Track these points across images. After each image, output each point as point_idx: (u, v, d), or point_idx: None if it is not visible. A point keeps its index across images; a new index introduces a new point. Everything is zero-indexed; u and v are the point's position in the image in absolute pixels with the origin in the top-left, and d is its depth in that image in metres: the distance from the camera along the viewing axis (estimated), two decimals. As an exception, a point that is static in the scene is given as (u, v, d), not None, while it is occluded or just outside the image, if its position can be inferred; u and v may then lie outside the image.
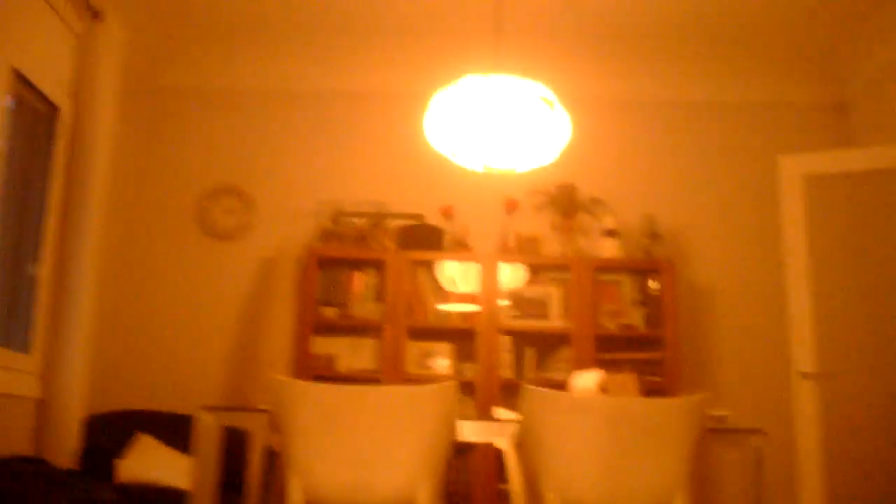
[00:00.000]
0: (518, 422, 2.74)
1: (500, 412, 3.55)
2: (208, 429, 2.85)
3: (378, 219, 4.99)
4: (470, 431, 2.87)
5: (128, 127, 4.93)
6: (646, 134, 5.28)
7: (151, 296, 5.06)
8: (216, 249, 5.13)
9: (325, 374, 4.67)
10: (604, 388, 2.99)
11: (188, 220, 5.16)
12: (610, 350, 4.71)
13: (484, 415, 4.44)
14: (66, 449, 4.00)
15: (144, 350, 4.97)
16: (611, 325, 4.71)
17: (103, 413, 4.49)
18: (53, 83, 4.08)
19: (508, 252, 4.88)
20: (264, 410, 2.86)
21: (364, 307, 4.78)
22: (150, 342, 4.99)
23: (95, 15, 4.31)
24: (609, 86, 5.29)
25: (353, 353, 4.78)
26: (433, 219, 5.02)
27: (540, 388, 2.65)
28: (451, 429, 2.70)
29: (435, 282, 4.82)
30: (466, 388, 4.63)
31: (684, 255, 5.06)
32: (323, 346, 4.74)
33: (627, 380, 3.12)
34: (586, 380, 3.11)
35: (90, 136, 4.22)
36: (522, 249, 4.91)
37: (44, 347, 4.02)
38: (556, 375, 4.63)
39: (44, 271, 4.05)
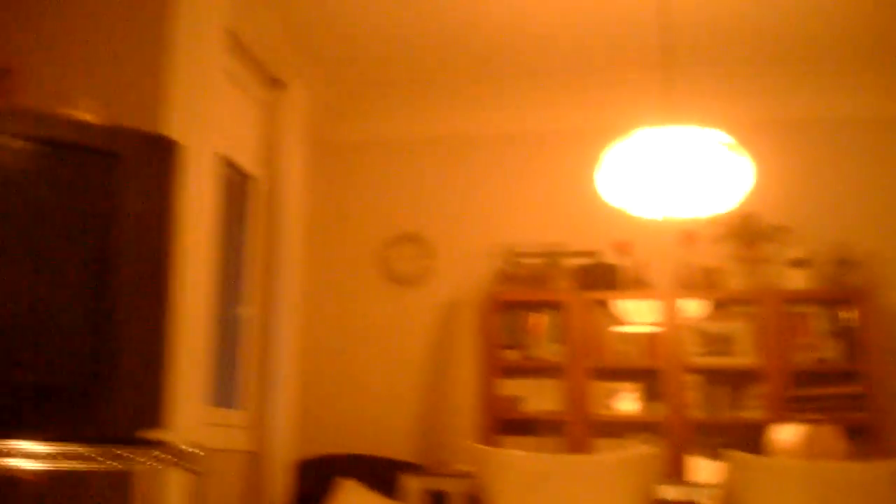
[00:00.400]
0: (719, 486, 2.70)
1: (698, 462, 3.50)
2: (413, 492, 2.97)
3: (554, 258, 5.02)
4: (670, 494, 2.85)
5: (314, 182, 5.19)
6: (829, 156, 5.05)
7: (344, 342, 5.30)
8: (400, 295, 5.31)
9: (511, 416, 4.74)
10: (809, 445, 2.89)
11: (372, 267, 5.37)
12: (805, 386, 4.53)
13: (677, 457, 4.38)
14: (276, 496, 4.26)
15: (342, 395, 5.21)
16: (804, 360, 4.53)
17: (309, 459, 4.74)
18: (246, 154, 4.37)
19: (689, 286, 4.79)
20: (466, 475, 2.95)
21: (545, 348, 4.82)
22: (345, 386, 5.22)
23: (278, 84, 4.59)
24: (787, 107, 5.10)
25: (537, 395, 4.82)
26: (609, 255, 4.99)
27: (745, 454, 2.60)
28: (651, 494, 2.70)
29: (615, 320, 4.80)
30: (655, 429, 4.58)
31: (879, 282, 4.80)
32: (508, 388, 4.82)
33: (831, 434, 3.00)
34: (788, 434, 3.01)
35: (282, 197, 4.48)
36: (703, 283, 4.81)
37: (253, 403, 4.30)
38: (750, 415, 4.49)
39: (248, 333, 4.33)
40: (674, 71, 4.83)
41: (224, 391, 4.14)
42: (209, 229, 2.52)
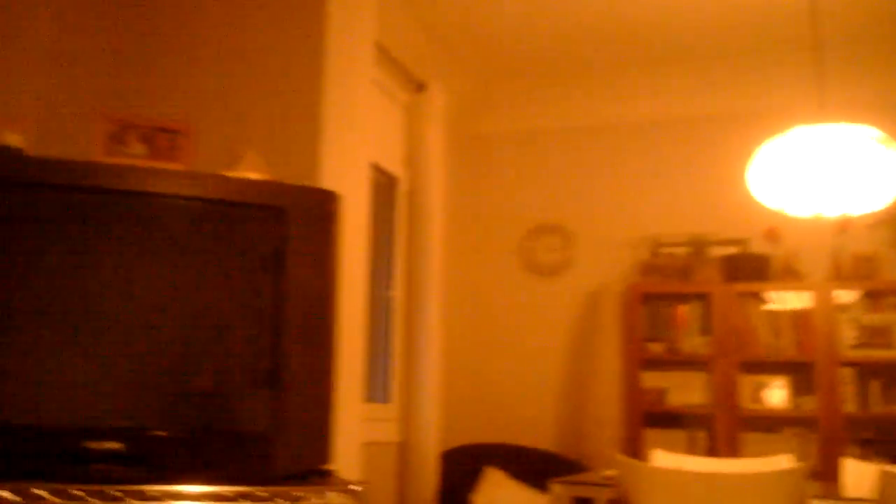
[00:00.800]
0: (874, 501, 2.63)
1: (849, 463, 3.41)
2: (559, 498, 3.04)
3: (699, 248, 4.94)
4: (822, 509, 2.80)
5: (455, 176, 5.29)
6: None
7: (484, 333, 5.40)
8: (540, 286, 5.35)
9: (656, 409, 4.73)
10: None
11: (513, 258, 5.44)
12: (971, 381, 4.30)
13: (831, 457, 4.27)
14: (425, 486, 4.42)
15: (483, 385, 5.33)
16: (970, 354, 4.30)
17: (454, 448, 4.88)
18: (391, 156, 4.50)
19: (842, 276, 4.62)
20: (610, 485, 3.00)
21: (691, 341, 4.76)
22: (487, 377, 5.33)
23: (420, 87, 4.68)
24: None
25: (682, 388, 4.79)
26: (757, 243, 4.86)
27: (901, 474, 2.53)
28: (803, 510, 2.66)
29: (764, 312, 4.68)
30: (806, 423, 4.47)
31: None
32: (652, 380, 4.80)
33: None
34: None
35: (425, 195, 4.60)
36: (857, 272, 4.62)
37: (401, 396, 4.47)
38: (909, 411, 4.32)
39: (397, 327, 4.50)
40: (824, 54, 4.64)
41: (376, 386, 4.31)
42: (364, 243, 2.64)
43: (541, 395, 5.23)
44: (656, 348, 4.79)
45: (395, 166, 4.58)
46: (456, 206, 5.35)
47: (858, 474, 3.47)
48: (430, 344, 4.53)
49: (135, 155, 1.78)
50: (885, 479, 2.58)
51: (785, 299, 4.68)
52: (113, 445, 1.65)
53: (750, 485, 2.62)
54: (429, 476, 4.45)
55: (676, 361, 4.79)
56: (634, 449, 4.62)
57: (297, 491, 1.64)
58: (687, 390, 4.78)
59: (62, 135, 2.09)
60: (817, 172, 3.27)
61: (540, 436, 5.11)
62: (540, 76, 5.37)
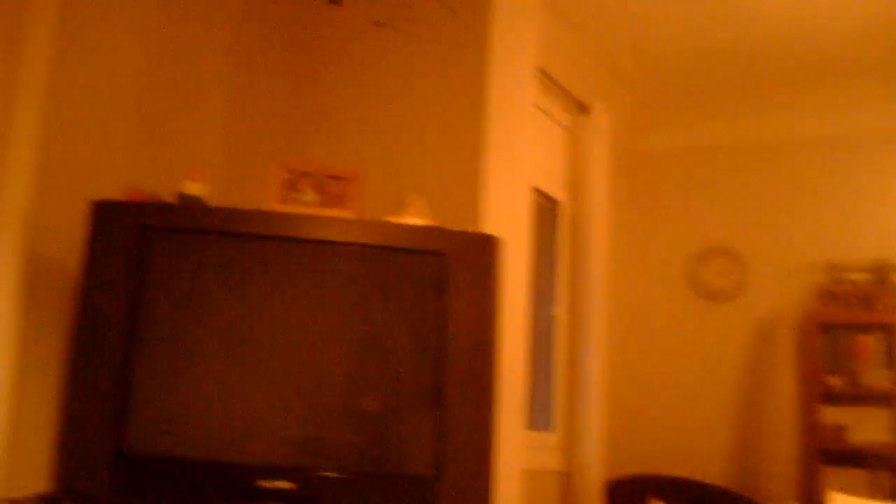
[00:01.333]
0: None
1: None
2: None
3: (883, 274, 4.63)
4: None
5: (619, 197, 5.20)
6: None
7: (650, 359, 5.27)
8: (709, 312, 5.17)
9: (835, 446, 4.46)
10: None
11: (680, 282, 5.28)
12: None
13: None
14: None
15: (648, 413, 5.19)
16: None
17: (618, 479, 4.78)
18: (553, 180, 4.48)
19: None
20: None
21: (874, 374, 4.47)
22: (653, 405, 5.20)
23: (582, 108, 4.64)
24: None
25: (864, 425, 4.50)
26: (950, 270, 4.51)
27: None
28: None
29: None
30: None
31: None
32: (831, 415, 4.53)
33: None
34: None
35: (588, 218, 4.54)
36: None
37: (564, 424, 4.42)
38: None
39: (559, 354, 4.46)
40: None
41: (538, 415, 4.29)
42: (526, 273, 2.64)
43: (709, 425, 5.04)
44: (836, 381, 4.52)
45: (556, 189, 4.56)
46: (620, 227, 5.25)
47: None
48: (594, 371, 4.47)
49: (307, 202, 1.86)
50: None
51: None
52: (284, 485, 1.72)
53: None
54: (591, 505, 4.38)
55: (858, 396, 4.51)
56: (811, 488, 4.38)
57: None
58: (869, 427, 4.49)
59: (240, 183, 2.21)
60: None
61: (708, 469, 4.92)
62: (708, 92, 5.20)
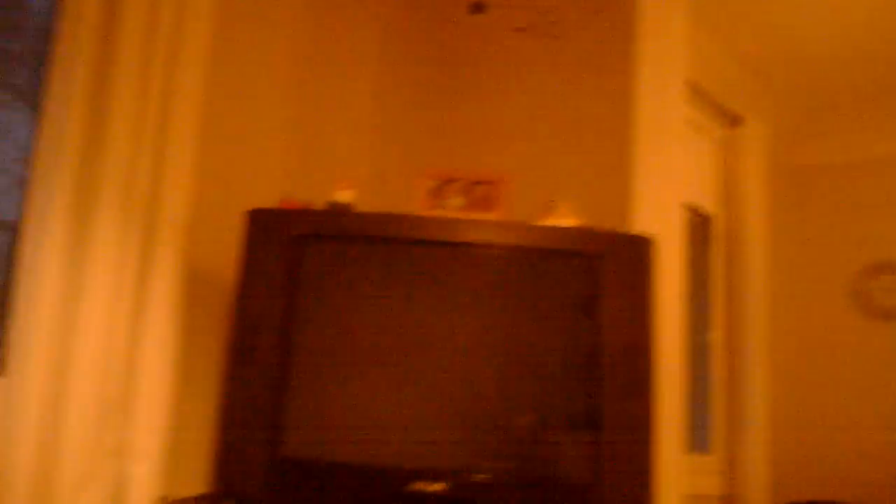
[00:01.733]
0: None
1: None
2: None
3: None
4: None
5: (776, 212, 4.98)
6: None
7: (816, 381, 4.98)
8: (880, 330, 4.85)
9: None
10: None
11: (846, 299, 4.98)
12: None
13: None
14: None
15: (817, 437, 4.90)
16: None
17: (792, 503, 4.53)
18: (705, 194, 4.33)
19: None
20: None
21: None
22: (822, 429, 4.90)
23: (735, 121, 4.48)
24: None
25: None
26: None
27: None
28: None
29: None
30: None
31: None
32: None
33: None
34: None
35: (743, 232, 4.37)
36: None
37: (723, 446, 4.23)
38: None
39: (716, 373, 4.29)
40: None
41: (694, 436, 4.13)
42: (680, 287, 2.55)
43: (885, 450, 4.70)
44: None
45: (708, 205, 4.41)
46: (779, 243, 5.01)
47: None
48: (754, 391, 4.27)
49: (454, 207, 1.85)
50: None
51: None
52: (437, 487, 1.70)
53: None
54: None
55: None
56: None
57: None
58: None
59: (387, 193, 2.24)
60: None
61: (882, 495, 4.58)
62: (870, 100, 4.91)
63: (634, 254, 1.76)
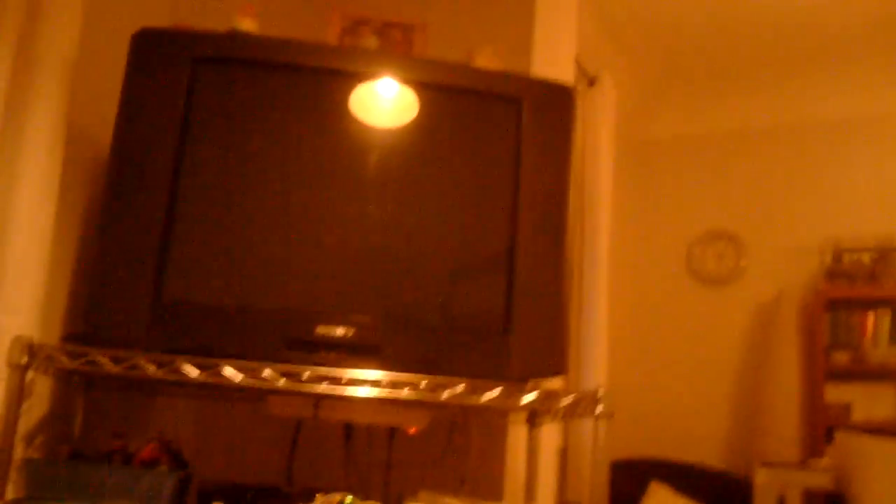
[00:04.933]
0: None
1: None
2: (767, 487, 2.80)
3: (886, 252, 4.60)
4: None
5: (620, 181, 5.13)
6: None
7: (650, 343, 5.17)
8: (710, 295, 5.10)
9: (840, 424, 4.37)
10: None
11: (680, 267, 5.21)
12: None
13: None
14: (595, 494, 4.20)
15: (648, 395, 5.07)
16: None
17: (617, 461, 4.64)
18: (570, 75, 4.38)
19: None
20: (820, 469, 2.74)
21: (880, 351, 4.41)
22: (654, 387, 5.08)
23: (591, 82, 4.58)
24: None
25: (870, 401, 4.43)
26: (953, 248, 4.49)
27: None
28: None
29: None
30: None
31: None
32: (835, 394, 4.45)
33: None
34: None
35: (593, 191, 4.45)
36: None
37: (566, 396, 4.29)
38: None
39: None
40: None
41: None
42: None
43: (711, 409, 4.94)
44: (841, 359, 4.45)
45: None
46: (622, 209, 5.17)
47: None
48: (597, 351, 4.35)
49: (369, 47, 1.73)
50: None
51: None
52: (343, 331, 1.56)
53: None
54: (598, 485, 4.23)
55: (863, 373, 4.44)
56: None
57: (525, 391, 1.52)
58: (875, 404, 4.42)
59: (297, 30, 2.07)
60: None
61: (709, 452, 4.80)
62: (711, 76, 5.18)
63: (557, 100, 1.70)
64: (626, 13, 4.54)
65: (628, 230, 5.30)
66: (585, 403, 1.59)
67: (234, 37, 1.68)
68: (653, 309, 5.22)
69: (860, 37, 4.58)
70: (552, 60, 2.36)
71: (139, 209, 1.60)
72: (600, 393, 1.59)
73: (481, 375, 1.58)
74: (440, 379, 1.52)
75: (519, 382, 1.59)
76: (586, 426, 4.24)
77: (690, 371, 5.04)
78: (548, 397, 1.56)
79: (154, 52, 1.63)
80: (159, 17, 1.94)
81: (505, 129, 1.68)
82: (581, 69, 4.46)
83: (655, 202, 5.37)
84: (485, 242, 1.66)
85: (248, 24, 1.70)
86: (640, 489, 4.44)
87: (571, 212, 4.19)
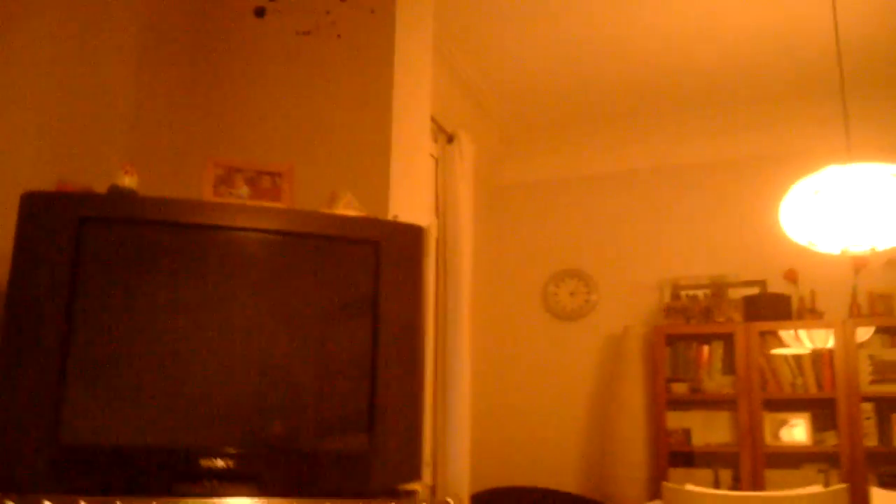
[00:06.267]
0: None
1: (876, 492, 3.51)
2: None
3: (720, 289, 5.09)
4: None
5: (479, 227, 5.45)
6: None
7: (510, 377, 5.52)
8: (564, 329, 5.49)
9: (681, 448, 4.83)
10: None
11: (536, 304, 5.57)
12: None
13: (852, 486, 4.36)
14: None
15: (509, 428, 5.42)
16: None
17: (483, 491, 4.96)
18: (423, 208, 4.64)
19: (861, 314, 4.76)
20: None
21: (715, 380, 4.88)
22: (514, 420, 5.43)
23: (450, 139, 4.86)
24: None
25: (707, 427, 4.90)
26: (776, 284, 5.01)
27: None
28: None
29: (785, 351, 4.82)
30: (828, 458, 4.58)
31: None
32: (676, 420, 4.91)
33: None
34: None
35: (454, 245, 4.73)
36: (876, 310, 4.77)
37: (432, 438, 4.55)
38: (931, 445, 4.43)
39: (427, 369, 4.60)
40: (849, 96, 4.77)
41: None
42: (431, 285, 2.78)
43: (566, 437, 5.32)
44: (680, 388, 4.91)
45: (426, 216, 4.73)
46: (481, 253, 5.49)
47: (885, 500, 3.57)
48: (461, 387, 4.62)
49: (240, 196, 1.93)
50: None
51: (805, 338, 4.82)
52: (224, 463, 1.76)
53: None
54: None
55: (700, 401, 4.91)
56: (660, 489, 4.71)
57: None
58: (711, 429, 4.89)
59: (174, 181, 2.23)
60: (844, 209, 3.44)
61: (566, 478, 5.19)
62: (561, 126, 5.57)
63: (410, 240, 1.95)
64: (479, 72, 4.85)
65: (489, 271, 5.62)
66: (439, 513, 1.84)
67: (116, 198, 1.84)
68: (513, 344, 5.57)
69: (700, 87, 5.04)
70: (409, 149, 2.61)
71: (34, 356, 1.74)
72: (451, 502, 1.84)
73: (348, 493, 1.82)
74: (310, 501, 1.75)
75: (380, 497, 1.83)
76: (455, 462, 4.52)
77: (548, 402, 5.41)
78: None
79: (41, 213, 1.78)
80: (43, 178, 2.06)
81: (365, 267, 1.91)
82: (439, 127, 4.74)
83: (513, 244, 5.72)
84: (348, 371, 1.89)
85: (128, 181, 1.86)
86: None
87: (435, 262, 4.42)
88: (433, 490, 4.52)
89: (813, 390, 4.72)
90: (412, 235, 1.97)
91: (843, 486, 2.75)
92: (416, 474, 1.91)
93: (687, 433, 4.89)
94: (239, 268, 1.86)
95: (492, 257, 5.68)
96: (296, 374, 1.86)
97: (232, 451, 1.78)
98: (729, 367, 4.88)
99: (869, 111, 4.91)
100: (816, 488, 3.37)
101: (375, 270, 1.91)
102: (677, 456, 4.84)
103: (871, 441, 4.58)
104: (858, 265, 4.82)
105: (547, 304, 5.57)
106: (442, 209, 4.80)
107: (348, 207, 1.94)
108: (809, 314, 4.84)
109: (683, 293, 5.15)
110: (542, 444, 5.35)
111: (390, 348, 1.89)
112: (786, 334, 4.82)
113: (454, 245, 4.74)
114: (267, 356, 1.84)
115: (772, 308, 4.87)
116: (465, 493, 4.55)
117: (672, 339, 5.01)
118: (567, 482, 5.14)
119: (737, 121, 5.27)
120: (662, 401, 4.88)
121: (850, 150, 3.83)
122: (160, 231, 1.82)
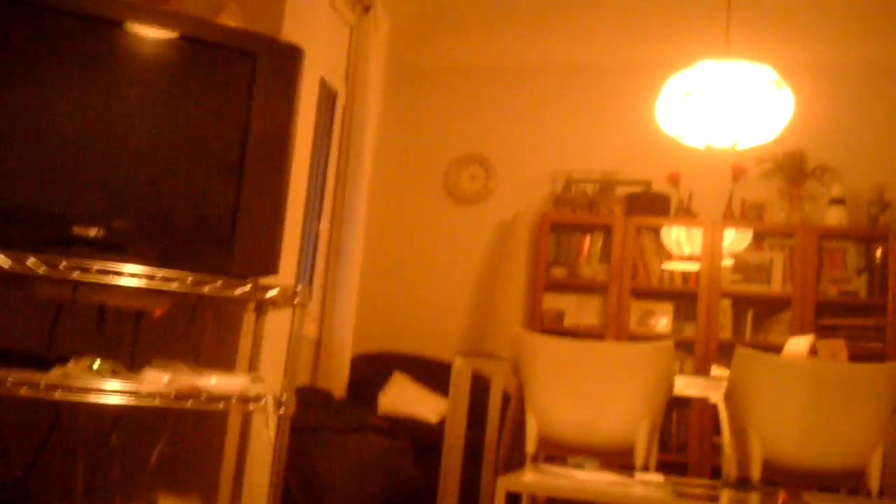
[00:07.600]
0: (728, 379, 3.11)
1: (717, 370, 3.92)
2: (461, 371, 3.45)
3: (607, 185, 5.40)
4: (686, 386, 3.28)
5: (388, 103, 5.61)
6: (879, 101, 5.29)
7: (405, 251, 5.78)
8: (460, 212, 5.75)
9: (555, 328, 5.18)
10: (813, 352, 3.28)
11: (437, 185, 5.82)
12: (829, 316, 4.88)
13: (702, 372, 4.79)
14: (338, 382, 4.78)
15: (398, 299, 5.71)
16: (832, 292, 4.87)
17: (366, 353, 5.25)
18: (333, 72, 4.79)
19: (733, 218, 5.13)
20: (505, 358, 3.42)
21: (591, 268, 5.23)
22: (404, 292, 5.72)
23: (366, 9, 4.98)
24: (843, 52, 5.32)
25: (580, 310, 5.26)
26: (660, 185, 5.34)
27: (750, 349, 3.01)
28: (669, 383, 3.13)
29: (660, 246, 5.18)
30: (686, 346, 4.99)
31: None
32: (552, 302, 5.26)
33: (838, 345, 3.39)
34: (798, 343, 3.41)
35: (361, 114, 4.91)
36: (747, 216, 5.14)
37: (322, 296, 4.81)
38: (774, 338, 4.87)
39: (323, 231, 4.83)
40: (733, 8, 5.00)
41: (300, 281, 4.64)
42: (308, 152, 2.97)
43: (451, 313, 5.64)
44: (559, 272, 5.24)
45: (336, 82, 4.87)
46: (387, 130, 5.67)
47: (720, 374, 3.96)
48: (353, 251, 4.86)
49: (127, -3, 2.07)
50: (737, 354, 3.06)
51: (684, 243, 5.17)
52: (94, 232, 1.96)
53: (623, 354, 3.07)
54: (342, 373, 4.80)
55: (576, 286, 5.26)
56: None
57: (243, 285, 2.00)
58: (583, 313, 5.26)
59: None
60: (713, 105, 3.73)
61: (446, 348, 5.50)
62: (478, 14, 5.69)
63: (288, 57, 2.14)
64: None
65: (395, 147, 5.82)
66: (287, 296, 2.08)
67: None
68: (411, 219, 5.82)
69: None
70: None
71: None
72: (298, 288, 2.08)
73: (209, 271, 2.04)
74: (173, 272, 1.97)
75: (239, 278, 2.05)
76: (341, 320, 4.79)
77: (438, 277, 5.71)
78: (256, 289, 2.03)
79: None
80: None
81: (242, 76, 2.10)
82: (356, -3, 4.85)
83: (422, 124, 5.92)
84: (219, 163, 2.09)
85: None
86: (386, 378, 5.06)
87: (339, 133, 4.61)
88: (318, 343, 4.79)
89: (678, 283, 5.10)
90: (291, 53, 2.16)
91: (668, 341, 3.10)
92: (272, 268, 2.14)
93: (561, 315, 5.25)
94: (124, 60, 2.02)
95: (399, 135, 5.87)
96: (170, 161, 2.06)
97: (104, 221, 1.98)
98: (606, 257, 5.22)
99: (751, 14, 5.18)
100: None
101: (251, 80, 2.10)
102: (550, 334, 5.19)
103: (726, 334, 5.01)
104: (737, 173, 5.16)
105: (447, 185, 5.81)
106: (352, 77, 4.95)
107: (231, 18, 2.10)
108: (685, 214, 5.19)
109: (574, 186, 5.44)
110: (428, 316, 5.66)
111: (258, 151, 2.10)
112: (667, 238, 5.16)
113: (361, 114, 4.91)
114: (144, 141, 2.03)
115: (652, 206, 5.20)
116: (348, 350, 4.84)
117: (557, 227, 5.32)
118: (446, 352, 5.46)
119: (637, 24, 5.48)
120: (541, 283, 5.22)
121: (728, 50, 4.10)
122: (56, 17, 1.96)
